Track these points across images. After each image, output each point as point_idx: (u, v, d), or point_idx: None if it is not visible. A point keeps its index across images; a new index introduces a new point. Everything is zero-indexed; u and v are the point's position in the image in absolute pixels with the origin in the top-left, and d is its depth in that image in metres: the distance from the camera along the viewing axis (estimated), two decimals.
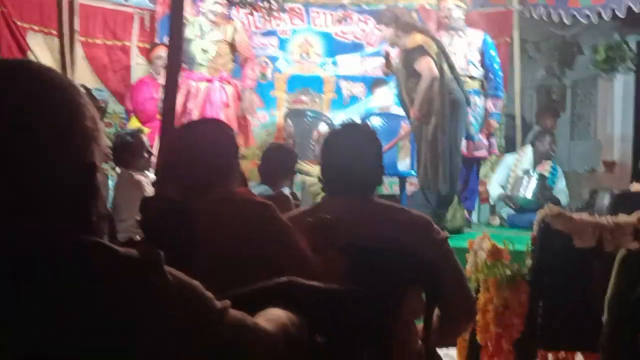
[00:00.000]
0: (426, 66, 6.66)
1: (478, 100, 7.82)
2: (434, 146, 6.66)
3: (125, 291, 1.21)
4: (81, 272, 1.20)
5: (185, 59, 7.07)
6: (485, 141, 7.93)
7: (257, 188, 4.95)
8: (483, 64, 7.87)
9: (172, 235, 2.41)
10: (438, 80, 6.65)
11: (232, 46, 7.66)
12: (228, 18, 7.77)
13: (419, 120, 6.70)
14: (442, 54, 6.85)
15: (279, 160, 5.47)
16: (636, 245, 3.00)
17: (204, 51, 7.48)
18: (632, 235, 3.84)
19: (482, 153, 8.02)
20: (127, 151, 5.78)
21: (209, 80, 7.49)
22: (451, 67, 6.88)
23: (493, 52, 7.84)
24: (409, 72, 6.75)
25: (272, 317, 1.48)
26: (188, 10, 7.23)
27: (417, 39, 6.78)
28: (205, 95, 7.44)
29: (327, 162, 3.03)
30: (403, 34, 6.83)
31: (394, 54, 7.05)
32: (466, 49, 7.82)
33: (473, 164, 8.00)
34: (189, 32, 7.29)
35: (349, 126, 3.24)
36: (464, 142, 7.32)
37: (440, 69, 6.70)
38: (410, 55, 6.72)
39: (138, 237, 3.44)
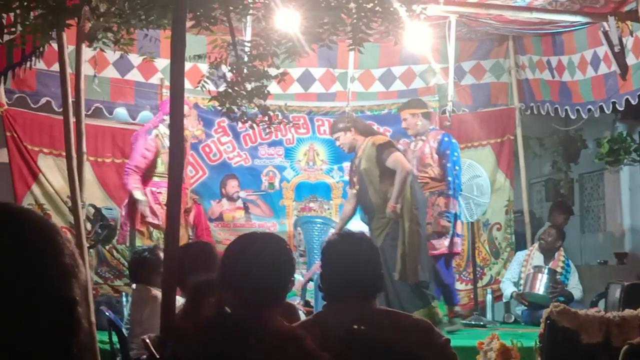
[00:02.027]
0: (401, 160, 6.86)
1: (438, 200, 7.70)
2: (413, 238, 6.72)
3: None
4: None
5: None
6: (442, 240, 7.62)
7: None
8: (440, 164, 7.71)
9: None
10: (410, 174, 6.83)
11: None
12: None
13: (395, 213, 6.75)
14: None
15: None
16: None
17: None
18: (639, 329, 3.84)
19: (439, 251, 7.64)
20: (145, 268, 5.78)
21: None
22: None
23: (448, 151, 7.66)
24: (382, 169, 6.87)
25: None
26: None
27: (380, 138, 7.09)
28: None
29: (326, 271, 3.08)
30: (361, 137, 7.08)
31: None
32: (427, 150, 7.78)
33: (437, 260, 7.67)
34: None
35: (346, 235, 3.29)
36: None
37: None
38: (381, 151, 6.89)
39: (144, 357, 3.49)
